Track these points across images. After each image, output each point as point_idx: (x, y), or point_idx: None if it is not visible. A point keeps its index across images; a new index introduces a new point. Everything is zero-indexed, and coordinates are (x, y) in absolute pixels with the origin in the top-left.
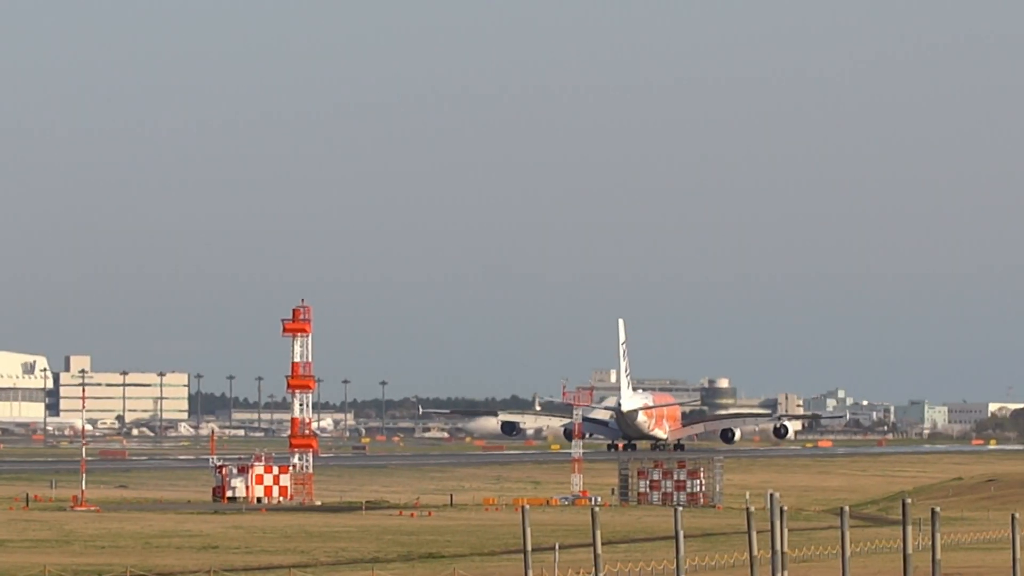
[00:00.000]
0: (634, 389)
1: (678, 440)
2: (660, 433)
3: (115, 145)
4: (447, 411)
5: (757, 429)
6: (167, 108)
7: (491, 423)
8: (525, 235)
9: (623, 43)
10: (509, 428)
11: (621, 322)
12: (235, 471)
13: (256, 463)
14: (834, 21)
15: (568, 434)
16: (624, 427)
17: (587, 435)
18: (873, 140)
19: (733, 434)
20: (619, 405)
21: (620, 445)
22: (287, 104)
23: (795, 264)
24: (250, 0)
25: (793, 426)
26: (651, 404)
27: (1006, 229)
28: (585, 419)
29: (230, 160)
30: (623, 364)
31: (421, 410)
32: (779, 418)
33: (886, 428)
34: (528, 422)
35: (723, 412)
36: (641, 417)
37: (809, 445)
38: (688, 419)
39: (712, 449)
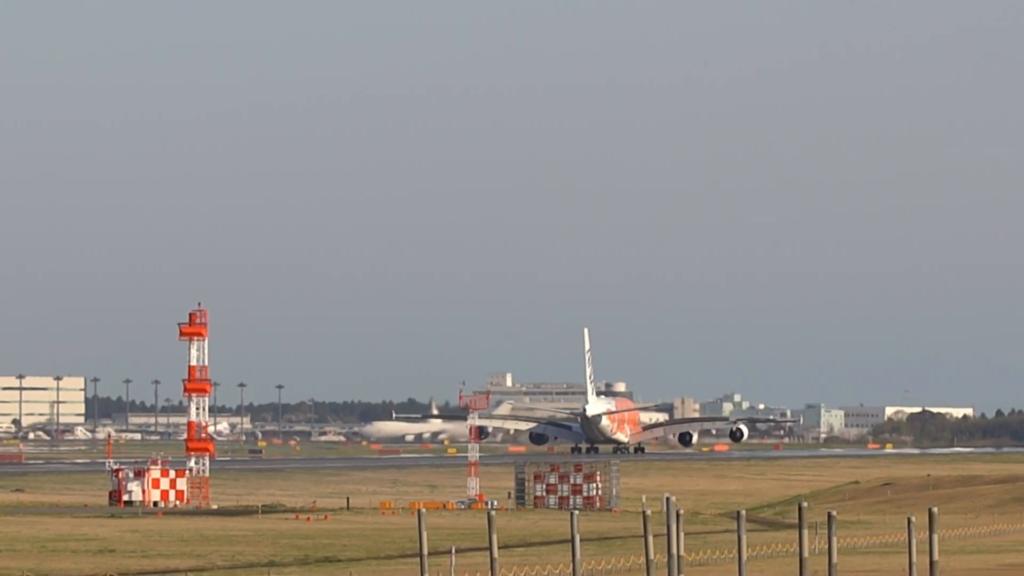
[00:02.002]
0: (527, 393)
1: (639, 443)
2: (622, 437)
3: (9, 146)
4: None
5: (714, 432)
6: (63, 106)
7: (388, 427)
8: (420, 238)
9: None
10: (479, 432)
11: (586, 331)
12: (132, 475)
13: (153, 467)
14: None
15: (535, 438)
16: (588, 431)
17: (552, 438)
18: (770, 143)
19: (691, 437)
20: (584, 410)
21: (583, 448)
22: (182, 104)
23: (691, 268)
24: None
25: (747, 430)
26: (614, 409)
27: (905, 232)
28: (550, 423)
29: (123, 161)
30: (588, 371)
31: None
32: (735, 422)
33: (782, 432)
34: (495, 423)
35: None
36: (604, 421)
37: (706, 449)
38: (647, 424)
39: (675, 452)
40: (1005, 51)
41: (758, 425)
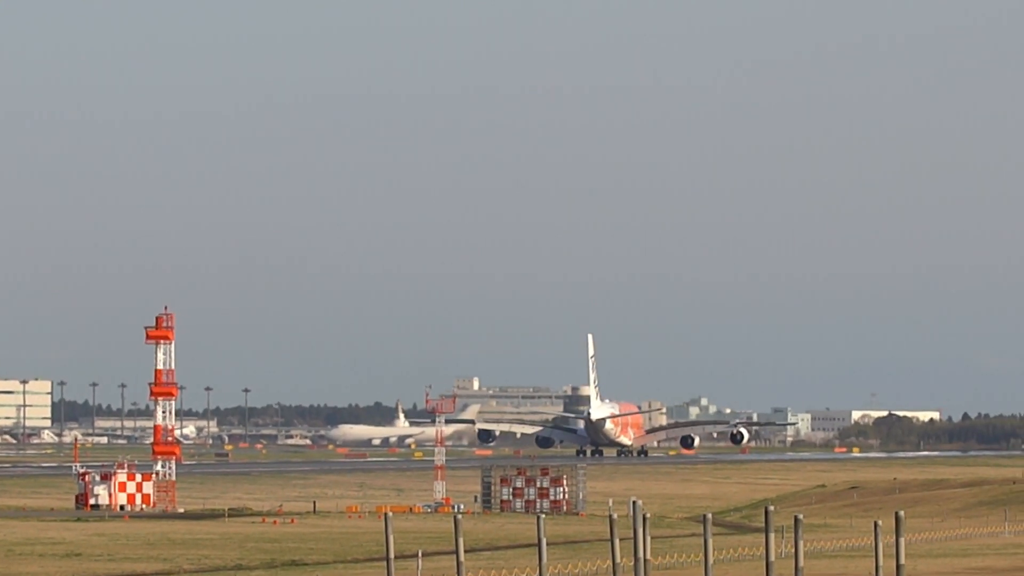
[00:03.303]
0: (494, 397)
1: (642, 446)
2: (625, 440)
3: None
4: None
5: (715, 436)
6: (24, 106)
7: (354, 430)
8: (386, 242)
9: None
10: (485, 436)
11: (590, 337)
12: (98, 478)
13: (119, 470)
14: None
15: (542, 442)
16: (593, 434)
17: (557, 441)
18: (738, 146)
19: (693, 440)
20: (588, 414)
21: (588, 451)
22: (146, 105)
23: (658, 270)
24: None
25: (748, 433)
26: (618, 413)
27: (870, 236)
28: (556, 427)
29: (90, 162)
30: (592, 376)
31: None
32: (735, 425)
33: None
34: (502, 428)
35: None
36: (608, 425)
37: (672, 453)
38: (650, 427)
39: (680, 456)
40: (963, 54)
41: (746, 429)
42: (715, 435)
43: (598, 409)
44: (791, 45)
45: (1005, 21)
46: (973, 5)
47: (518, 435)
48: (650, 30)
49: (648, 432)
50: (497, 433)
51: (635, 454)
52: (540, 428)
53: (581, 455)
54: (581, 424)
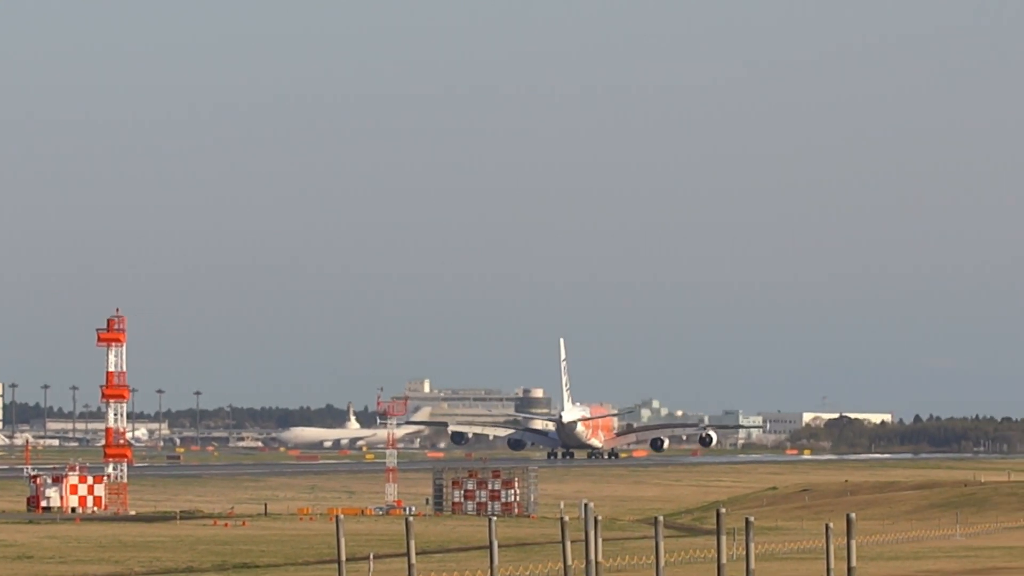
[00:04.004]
0: (445, 399)
1: (612, 449)
2: (596, 442)
3: None
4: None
5: (684, 438)
6: None
7: (306, 433)
8: (335, 244)
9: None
10: (458, 438)
11: (562, 341)
12: (49, 481)
13: (71, 473)
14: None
15: (513, 444)
16: (564, 437)
17: (529, 444)
18: (684, 153)
19: (662, 443)
20: (560, 416)
21: (560, 453)
22: (98, 108)
23: (608, 273)
24: None
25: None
26: (589, 416)
27: (820, 240)
28: (527, 429)
29: (40, 165)
30: (564, 379)
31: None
32: (704, 428)
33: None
34: (475, 431)
35: (650, 423)
36: (580, 428)
37: (624, 455)
38: (621, 429)
39: (650, 458)
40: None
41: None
42: (684, 437)
43: (570, 412)
44: (771, 48)
45: (1005, 21)
46: (973, 5)
47: (491, 437)
48: (647, 31)
49: (619, 435)
50: (470, 435)
51: (606, 456)
52: (512, 431)
53: (552, 457)
54: (552, 427)
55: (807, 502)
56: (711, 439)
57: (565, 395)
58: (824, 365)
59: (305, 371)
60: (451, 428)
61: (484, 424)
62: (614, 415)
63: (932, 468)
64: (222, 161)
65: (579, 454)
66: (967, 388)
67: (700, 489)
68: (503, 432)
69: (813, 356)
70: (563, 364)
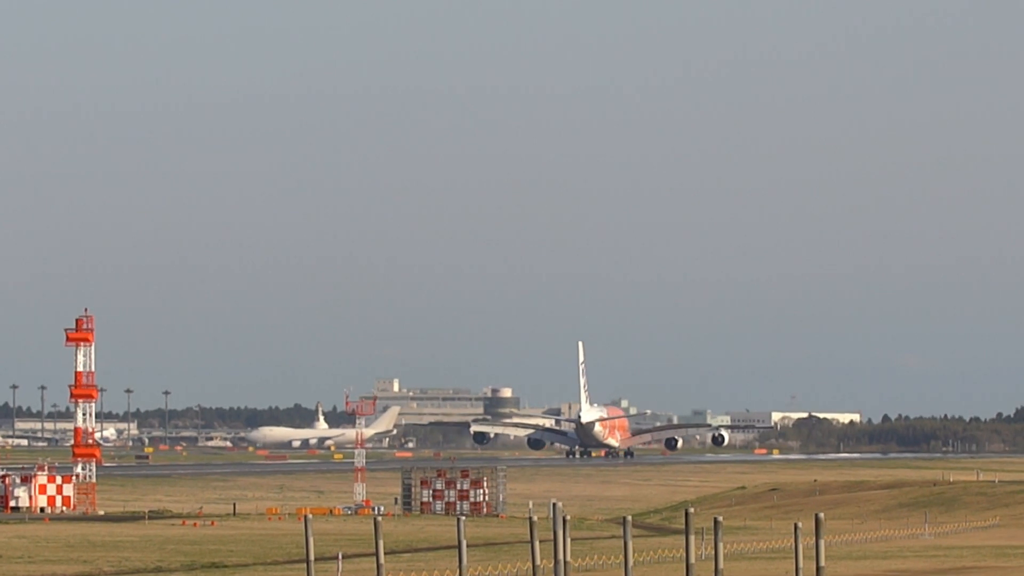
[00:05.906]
0: (414, 399)
1: (628, 448)
2: (613, 442)
3: None
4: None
5: (697, 438)
6: None
7: (274, 432)
8: (302, 243)
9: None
10: (480, 438)
11: (580, 344)
12: (18, 480)
13: (39, 473)
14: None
15: (533, 443)
16: (582, 436)
17: (549, 443)
18: (653, 150)
19: (676, 442)
20: (579, 417)
21: (578, 452)
22: (62, 105)
23: (575, 273)
24: None
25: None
26: (606, 417)
27: (790, 239)
28: (547, 429)
29: (6, 162)
30: (582, 381)
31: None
32: (717, 428)
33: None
34: (496, 431)
35: (660, 424)
36: (597, 428)
37: (595, 455)
38: (636, 430)
39: (661, 455)
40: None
41: (725, 431)
42: (698, 437)
43: (588, 413)
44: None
45: (1006, 21)
46: (974, 5)
47: (512, 437)
48: (645, 31)
49: (634, 434)
50: (492, 435)
51: (622, 455)
52: (533, 431)
53: (571, 456)
54: (571, 427)
55: (776, 502)
56: (723, 439)
57: (583, 396)
58: (793, 364)
59: (274, 371)
60: (474, 428)
61: (506, 426)
62: (630, 416)
63: (901, 468)
64: (190, 160)
65: (596, 453)
66: (936, 388)
67: (668, 489)
68: (523, 432)
69: (782, 356)
70: (581, 367)
